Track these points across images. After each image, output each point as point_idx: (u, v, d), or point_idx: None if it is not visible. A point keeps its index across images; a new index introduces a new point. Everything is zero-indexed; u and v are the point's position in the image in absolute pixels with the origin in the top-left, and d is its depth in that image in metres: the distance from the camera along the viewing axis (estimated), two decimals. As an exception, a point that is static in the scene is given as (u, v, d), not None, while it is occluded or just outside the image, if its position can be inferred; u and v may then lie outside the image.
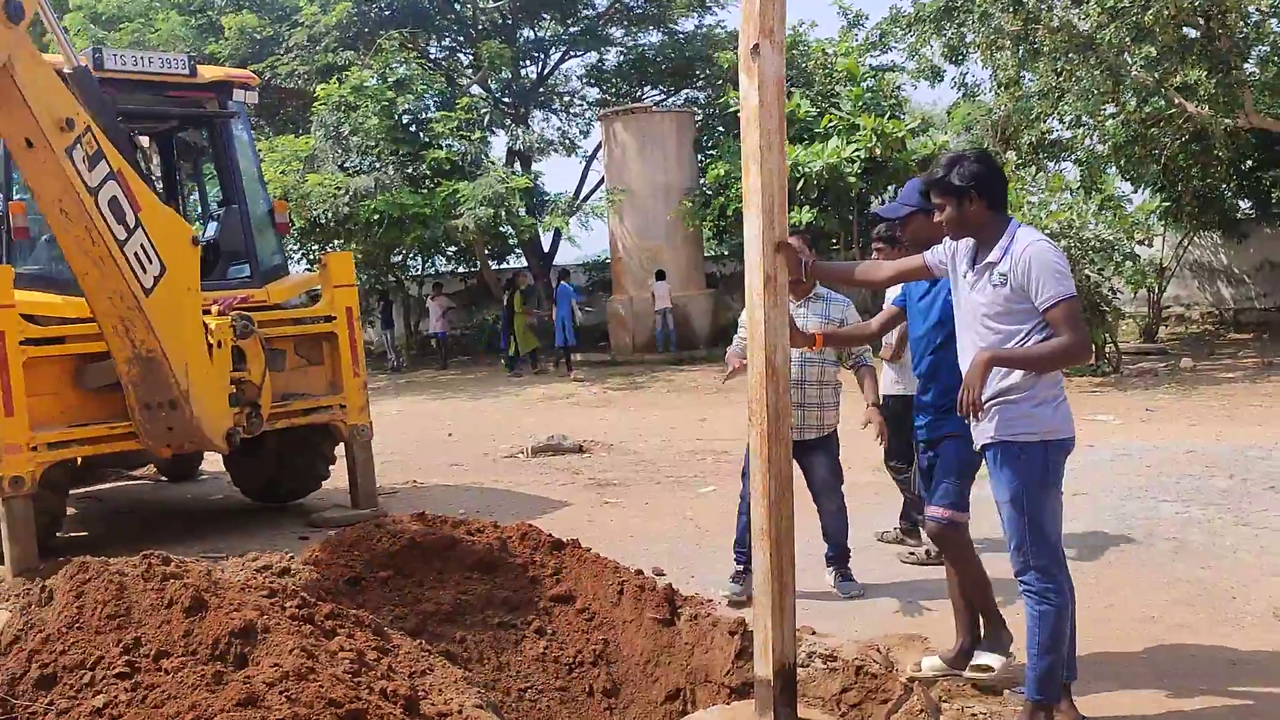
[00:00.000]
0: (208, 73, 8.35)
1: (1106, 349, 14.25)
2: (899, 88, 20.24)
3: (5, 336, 6.51)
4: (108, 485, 10.68)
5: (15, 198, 7.29)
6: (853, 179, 18.07)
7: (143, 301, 6.29)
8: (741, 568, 5.59)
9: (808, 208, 18.34)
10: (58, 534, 7.69)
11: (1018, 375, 3.54)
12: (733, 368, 5.63)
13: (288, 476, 8.78)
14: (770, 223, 3.96)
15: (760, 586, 3.92)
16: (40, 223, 7.44)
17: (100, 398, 7.10)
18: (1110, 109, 16.11)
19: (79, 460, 7.85)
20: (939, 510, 4.17)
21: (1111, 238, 13.60)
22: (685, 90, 27.26)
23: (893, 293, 4.16)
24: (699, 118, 24.20)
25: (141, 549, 7.26)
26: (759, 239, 3.95)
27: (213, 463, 10.48)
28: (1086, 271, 13.25)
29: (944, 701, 3.74)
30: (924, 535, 5.84)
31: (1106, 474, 7.85)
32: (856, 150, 18.08)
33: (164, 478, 10.92)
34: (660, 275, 20.68)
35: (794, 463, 5.21)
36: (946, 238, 3.85)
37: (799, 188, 18.18)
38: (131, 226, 6.19)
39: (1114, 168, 17.20)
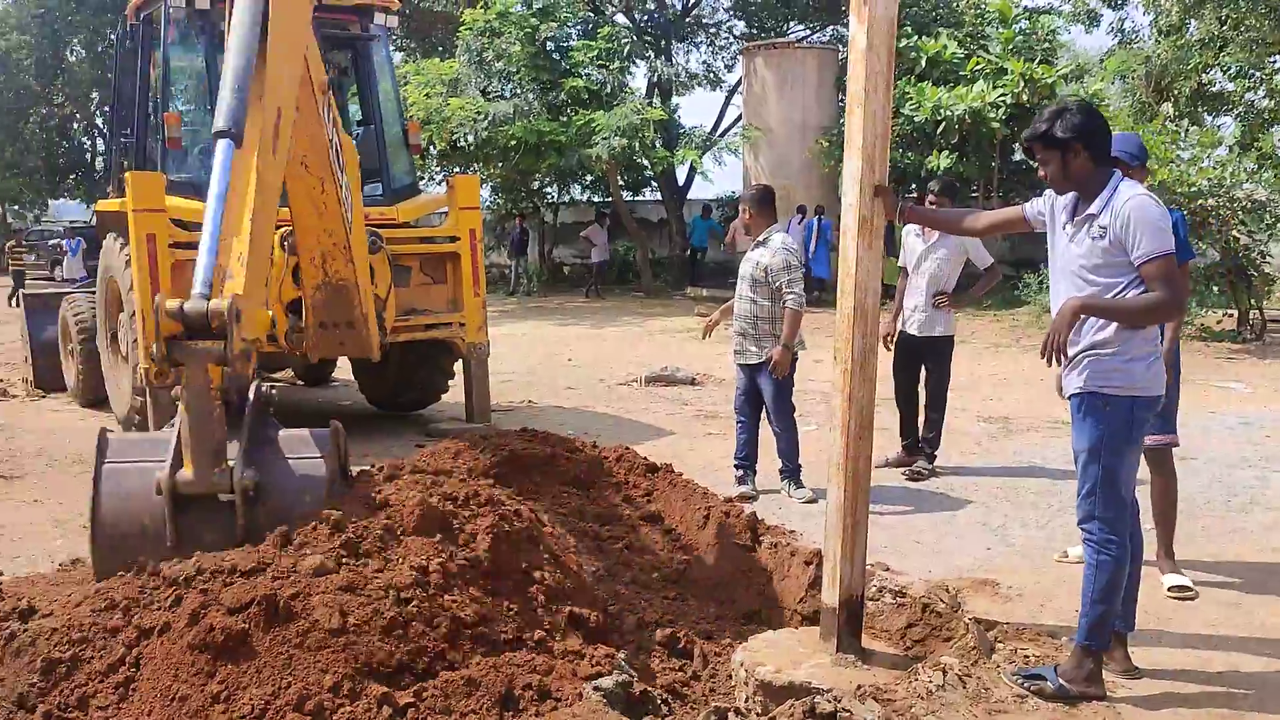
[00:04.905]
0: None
1: (1250, 315, 13.62)
2: (1053, 31, 19.41)
3: (156, 239, 7.01)
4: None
5: (171, 109, 7.77)
6: (996, 125, 17.54)
7: (350, 238, 6.48)
8: (741, 473, 6.55)
9: (946, 153, 17.90)
10: (199, 425, 8.30)
11: (1111, 330, 3.54)
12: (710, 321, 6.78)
13: (409, 388, 9.24)
14: (870, 166, 4.01)
15: (832, 519, 4.05)
16: (192, 133, 7.94)
17: (242, 302, 7.57)
18: (1278, 61, 15.18)
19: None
20: (1165, 437, 4.60)
21: (1265, 198, 12.91)
22: (832, 27, 26.68)
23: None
24: (843, 55, 23.69)
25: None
26: (856, 181, 4.01)
27: (343, 371, 11.07)
28: (1235, 233, 12.66)
29: (999, 642, 3.83)
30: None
31: (1222, 440, 7.63)
32: (1002, 95, 17.51)
33: (300, 381, 11.58)
34: (800, 210, 20.30)
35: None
36: (1047, 190, 3.84)
37: (939, 131, 17.75)
38: (342, 167, 6.23)
39: (1277, 124, 16.24)
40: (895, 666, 3.90)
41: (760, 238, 6.44)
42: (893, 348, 6.92)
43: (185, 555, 3.43)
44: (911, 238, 6.95)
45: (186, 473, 3.55)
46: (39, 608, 3.41)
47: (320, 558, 3.31)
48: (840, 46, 24.28)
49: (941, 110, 17.54)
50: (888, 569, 4.83)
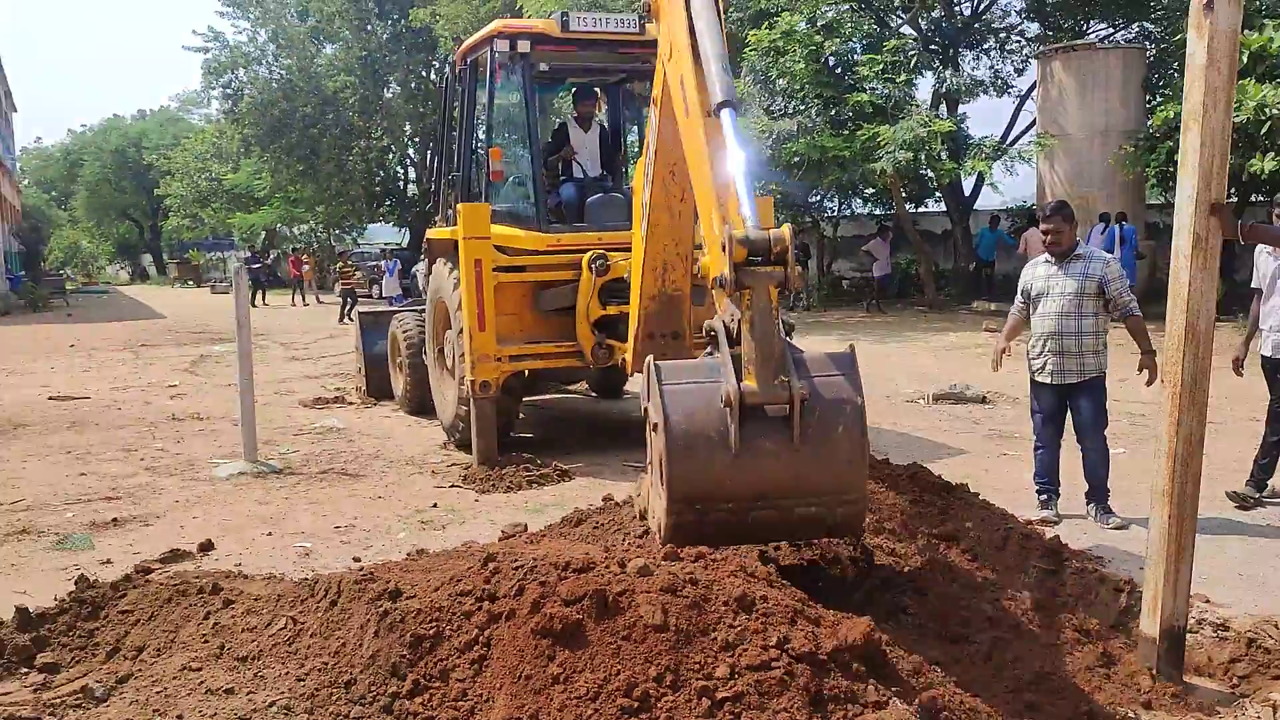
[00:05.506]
0: (654, 30, 9.12)
1: None
2: None
3: (482, 263, 7.71)
4: (549, 396, 12.15)
5: (495, 143, 8.49)
6: (1335, 123, 15.90)
7: (692, 248, 6.74)
8: (1045, 496, 6.43)
9: (1272, 155, 16.39)
10: (510, 433, 8.99)
11: None
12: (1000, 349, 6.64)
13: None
14: (1207, 184, 3.88)
15: (1154, 546, 3.95)
16: (512, 165, 8.63)
17: (550, 320, 8.19)
18: None
19: (527, 372, 9.10)
20: None
21: None
22: (1138, 23, 25.05)
23: None
24: (1150, 53, 22.21)
25: (573, 452, 8.36)
26: (1192, 200, 3.89)
27: (635, 384, 11.59)
28: None
29: (1343, 684, 3.58)
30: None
31: None
32: (1344, 88, 15.86)
33: (594, 394, 12.22)
34: (1103, 219, 19.24)
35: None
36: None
37: (1263, 132, 16.29)
38: None
39: None
40: (1219, 701, 3.74)
41: (1078, 251, 6.28)
42: (1243, 373, 6.58)
43: (746, 461, 3.74)
44: (1264, 257, 6.54)
45: (750, 384, 3.75)
46: (403, 590, 3.88)
47: (645, 560, 3.59)
48: (1148, 44, 22.82)
49: (1267, 109, 16.10)
50: (1208, 600, 4.60)
